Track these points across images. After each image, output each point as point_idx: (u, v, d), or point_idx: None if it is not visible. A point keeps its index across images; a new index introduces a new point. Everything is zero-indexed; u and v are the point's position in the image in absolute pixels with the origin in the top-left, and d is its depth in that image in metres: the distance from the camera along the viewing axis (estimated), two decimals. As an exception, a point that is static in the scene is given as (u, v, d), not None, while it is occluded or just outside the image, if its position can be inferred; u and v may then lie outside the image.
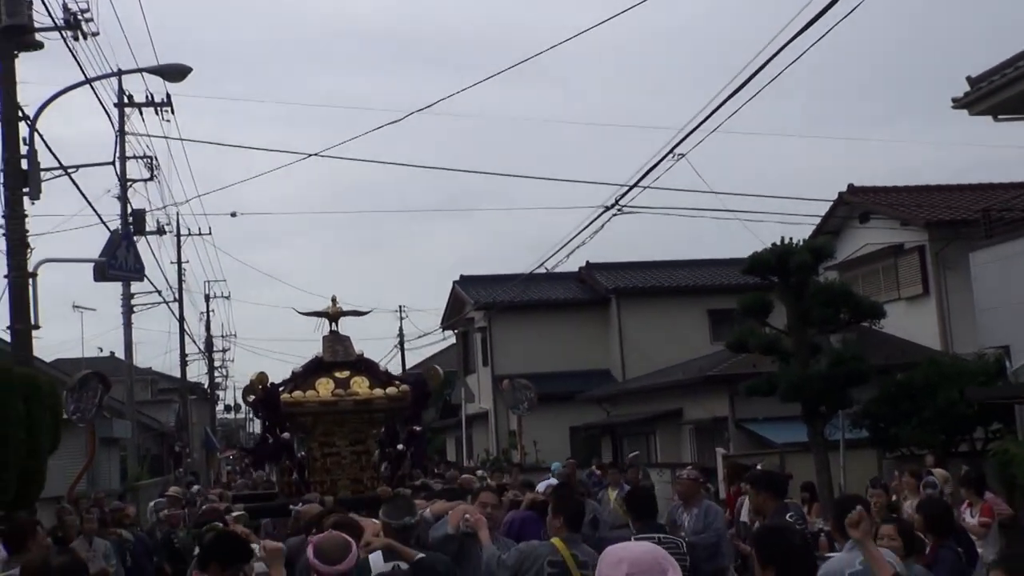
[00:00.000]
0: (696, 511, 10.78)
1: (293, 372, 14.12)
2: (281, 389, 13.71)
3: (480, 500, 8.25)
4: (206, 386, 61.32)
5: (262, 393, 13.49)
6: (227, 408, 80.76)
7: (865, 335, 22.08)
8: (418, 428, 14.49)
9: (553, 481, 13.94)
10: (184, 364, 47.98)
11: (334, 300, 14.65)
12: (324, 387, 13.58)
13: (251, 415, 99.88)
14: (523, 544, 7.34)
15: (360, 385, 13.70)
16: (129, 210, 31.41)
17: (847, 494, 10.42)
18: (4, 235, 17.49)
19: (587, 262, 39.38)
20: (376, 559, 6.73)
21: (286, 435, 13.68)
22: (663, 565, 3.52)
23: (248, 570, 7.73)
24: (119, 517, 16.00)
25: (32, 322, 17.39)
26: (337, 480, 13.56)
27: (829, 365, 18.68)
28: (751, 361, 22.81)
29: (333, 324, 14.51)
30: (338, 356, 14.08)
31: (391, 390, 13.78)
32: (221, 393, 72.03)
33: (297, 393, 13.55)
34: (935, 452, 17.57)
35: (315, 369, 13.98)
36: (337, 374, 13.81)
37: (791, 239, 19.77)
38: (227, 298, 64.36)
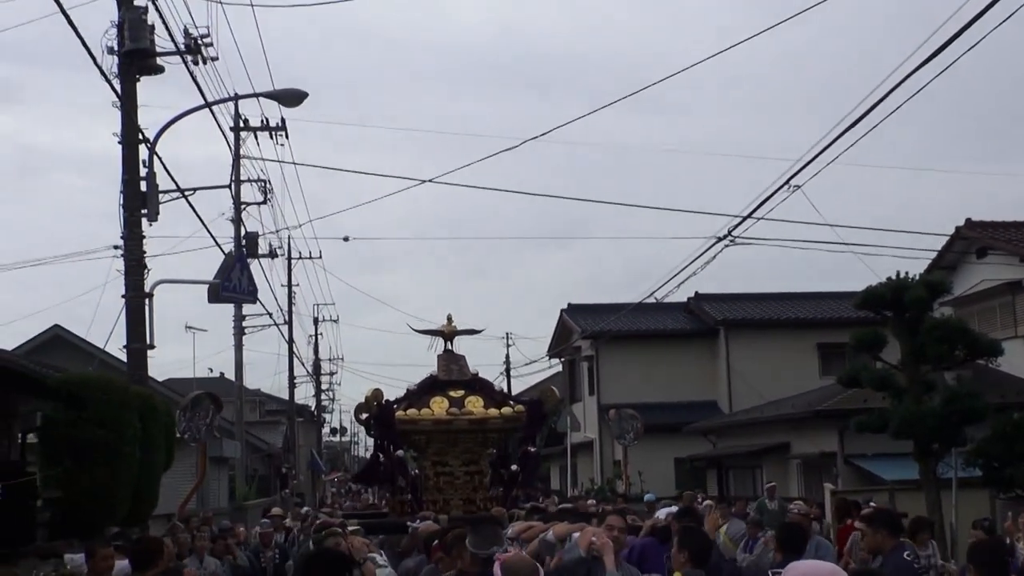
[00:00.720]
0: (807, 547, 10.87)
1: (408, 390, 14.10)
2: (395, 407, 13.72)
3: (607, 523, 8.01)
4: (313, 408, 62.14)
5: (376, 410, 13.54)
6: (333, 431, 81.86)
7: (981, 373, 21.80)
8: (532, 449, 14.27)
9: (673, 509, 13.63)
10: (292, 386, 48.79)
11: (449, 319, 14.62)
12: (439, 405, 13.59)
13: (357, 437, 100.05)
14: None
15: (475, 404, 13.68)
16: (243, 233, 32.20)
17: (987, 539, 9.89)
18: (123, 256, 17.87)
19: (696, 293, 39.36)
20: None
21: (400, 453, 13.68)
22: None
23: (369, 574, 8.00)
24: (228, 537, 16.37)
25: (147, 342, 17.84)
26: (449, 500, 13.56)
27: (943, 402, 18.47)
28: (862, 396, 22.59)
29: (448, 343, 14.47)
30: (453, 375, 14.05)
31: (506, 410, 13.76)
32: (328, 416, 72.94)
33: (412, 411, 13.60)
34: None
35: (430, 387, 13.97)
36: (452, 393, 13.79)
37: (906, 273, 19.68)
38: (335, 322, 65.21)
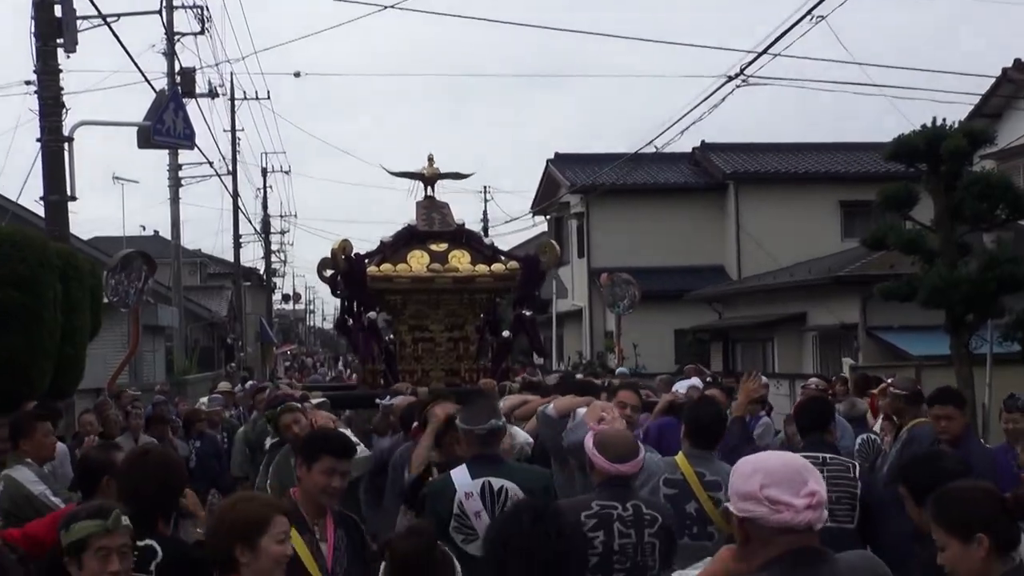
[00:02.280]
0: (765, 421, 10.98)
1: (382, 242, 13.59)
2: (367, 261, 13.21)
3: (619, 398, 7.83)
4: (262, 272, 62.14)
5: (345, 264, 12.93)
6: (285, 298, 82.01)
7: (1022, 236, 21.91)
8: (528, 314, 13.71)
9: (697, 381, 13.28)
10: (238, 246, 48.64)
11: (431, 160, 14.14)
12: (418, 261, 13.18)
13: (313, 305, 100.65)
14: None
15: (460, 260, 13.26)
16: (177, 68, 31.82)
17: None
18: (36, 93, 17.62)
19: (702, 142, 39.33)
20: (460, 475, 6.39)
21: (372, 315, 13.21)
22: (803, 476, 3.51)
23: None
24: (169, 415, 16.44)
25: (68, 193, 17.74)
26: (429, 370, 13.27)
27: (980, 268, 18.54)
28: (888, 261, 22.72)
29: (429, 188, 14.01)
30: (434, 225, 13.60)
31: (497, 267, 13.33)
32: (278, 280, 73.06)
33: (386, 266, 13.14)
34: None
35: (407, 240, 13.50)
36: (433, 246, 13.36)
37: (944, 120, 19.61)
38: (287, 173, 64.97)
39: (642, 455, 5.87)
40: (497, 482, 6.29)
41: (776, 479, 3.48)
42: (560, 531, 3.50)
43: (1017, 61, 27.94)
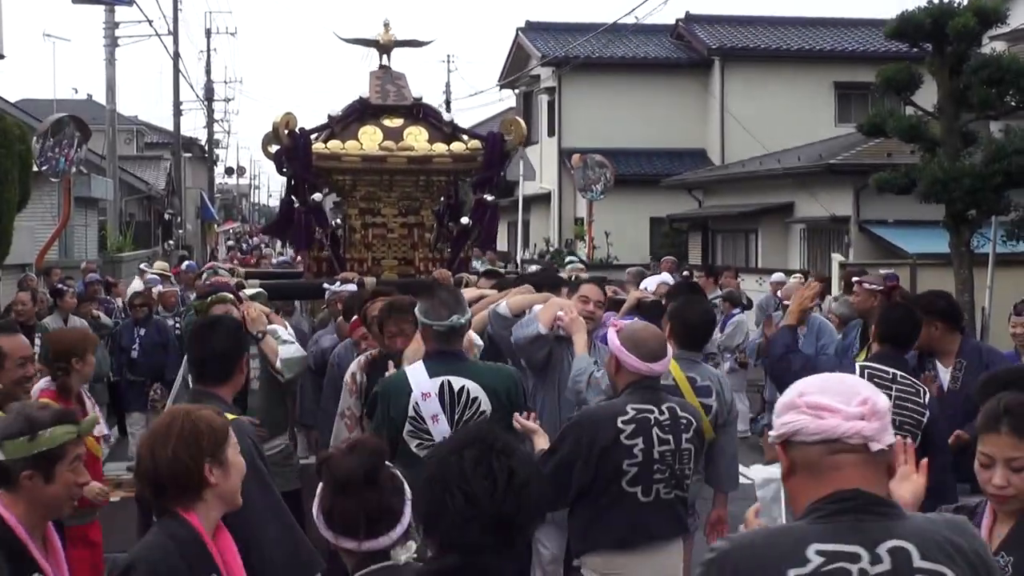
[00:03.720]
0: (803, 330, 10.89)
1: (330, 116, 13.08)
2: (314, 137, 12.86)
3: (581, 294, 7.67)
4: (204, 142, 61.89)
5: (288, 140, 12.54)
6: (228, 171, 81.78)
7: (1033, 125, 21.90)
8: (490, 198, 13.44)
9: (667, 277, 13.22)
10: (178, 114, 48.39)
11: (387, 26, 13.74)
12: (369, 138, 12.74)
13: (258, 179, 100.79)
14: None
15: (416, 138, 12.81)
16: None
17: None
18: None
19: (687, 13, 39.30)
20: (417, 373, 6.17)
21: (317, 196, 12.92)
22: (857, 387, 3.08)
23: (269, 351, 7.89)
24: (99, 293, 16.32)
25: (-7, 50, 17.54)
26: (381, 259, 13.02)
27: (986, 159, 18.56)
28: (886, 149, 22.71)
29: (384, 57, 13.53)
30: (389, 98, 13.15)
31: (457, 146, 12.92)
32: (221, 152, 72.83)
33: (334, 143, 12.71)
34: None
35: (359, 114, 13.02)
36: (387, 122, 12.94)
37: (951, -3, 19.53)
38: (233, 35, 64.72)
39: (670, 353, 5.82)
40: (458, 382, 6.08)
41: (821, 387, 3.09)
42: (512, 477, 3.02)
43: (1034, -68, 27.69)
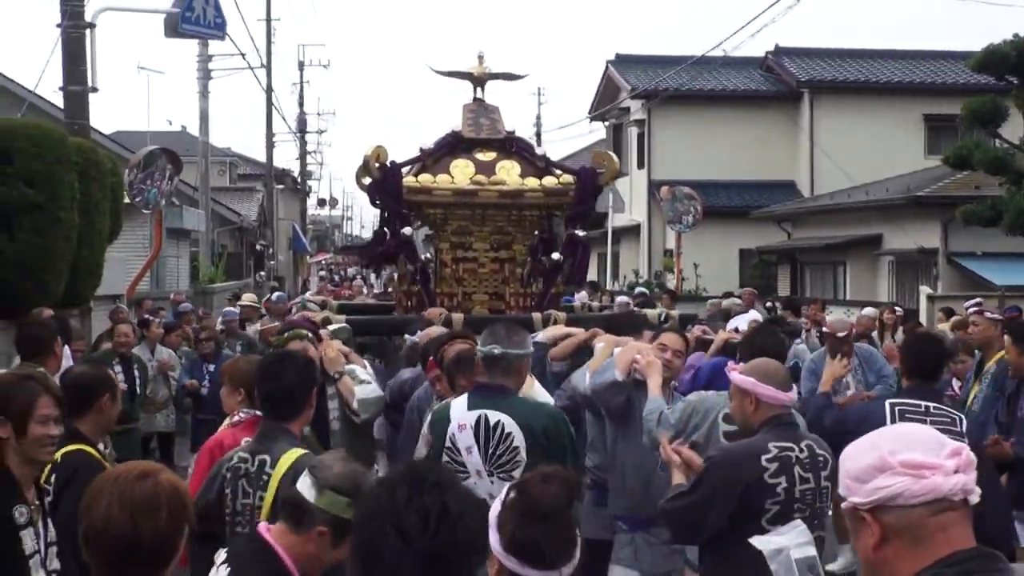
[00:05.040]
0: (856, 362, 10.91)
1: (422, 149, 13.03)
2: (406, 170, 12.76)
3: (661, 341, 7.32)
4: (296, 174, 62.28)
5: (379, 174, 12.48)
6: (321, 203, 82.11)
7: (1122, 156, 21.84)
8: (582, 233, 13.28)
9: (756, 316, 12.79)
10: (271, 146, 48.80)
11: (481, 59, 13.59)
12: (461, 171, 12.65)
13: (351, 211, 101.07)
14: (694, 395, 6.90)
15: (509, 172, 12.68)
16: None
17: None
18: (55, -24, 17.76)
19: (776, 46, 39.27)
20: (458, 405, 6.27)
21: (407, 231, 12.77)
22: (935, 436, 2.88)
23: (346, 392, 7.79)
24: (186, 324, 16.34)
25: (89, 83, 17.89)
26: (471, 294, 12.87)
27: (1072, 191, 18.59)
28: (974, 182, 22.69)
29: (478, 90, 13.40)
30: (482, 132, 13.04)
31: (550, 181, 12.77)
32: (314, 184, 73.21)
33: (425, 177, 12.64)
34: None
35: (451, 147, 12.93)
36: (479, 156, 12.84)
37: (1038, 30, 19.56)
38: (326, 67, 64.98)
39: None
40: (494, 416, 6.10)
41: (908, 442, 2.83)
42: (445, 513, 2.93)
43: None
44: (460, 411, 6.15)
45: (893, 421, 6.14)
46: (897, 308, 16.97)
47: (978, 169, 20.40)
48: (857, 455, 2.85)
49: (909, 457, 2.75)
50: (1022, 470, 7.44)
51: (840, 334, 11.12)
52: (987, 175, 20.66)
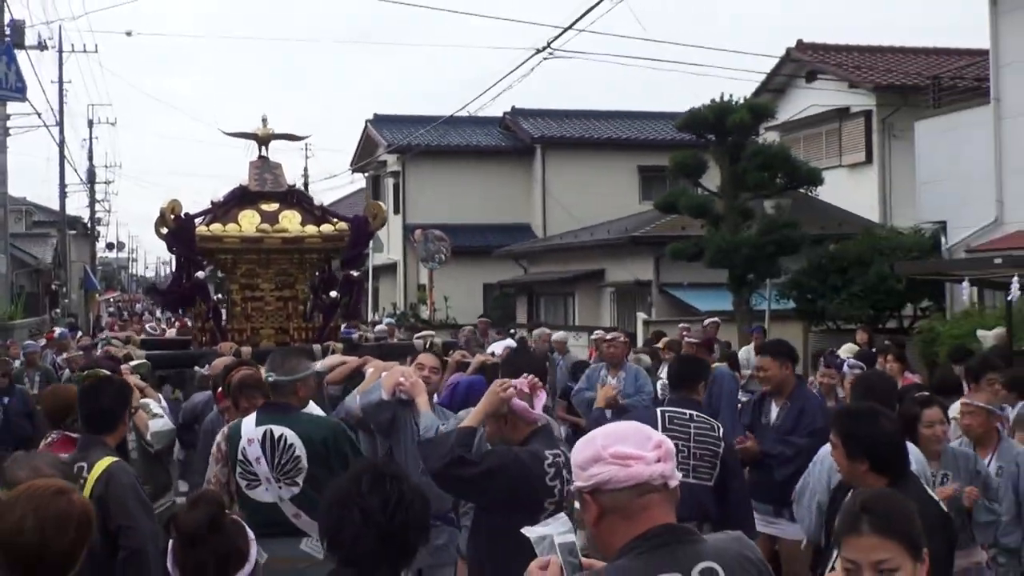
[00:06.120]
0: (623, 375, 11.44)
1: (212, 202, 13.10)
2: (198, 220, 12.82)
3: (419, 361, 7.52)
4: (87, 220, 60.76)
5: (175, 224, 12.52)
6: (109, 246, 79.92)
7: (801, 202, 22.76)
8: (356, 274, 13.62)
9: (511, 342, 13.14)
10: (64, 195, 47.88)
11: (264, 121, 13.72)
12: (248, 221, 12.77)
13: (135, 253, 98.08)
14: (465, 412, 6.73)
15: (290, 220, 12.90)
16: (7, 19, 30.95)
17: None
18: None
19: (512, 107, 39.62)
20: (248, 422, 6.32)
21: (200, 275, 12.85)
22: (645, 431, 3.09)
23: (140, 424, 7.52)
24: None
25: None
26: (259, 329, 12.94)
27: (760, 231, 19.37)
28: (680, 224, 23.41)
29: (263, 148, 13.51)
30: (266, 185, 13.16)
31: (326, 228, 13.04)
32: (103, 229, 71.43)
33: (216, 226, 12.73)
34: (866, 328, 17.69)
35: (238, 200, 13.04)
36: (264, 206, 12.96)
37: (731, 96, 20.36)
38: (113, 124, 63.83)
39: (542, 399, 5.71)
40: (278, 429, 6.16)
41: (618, 437, 3.03)
42: (401, 498, 3.12)
43: (799, 41, 28.91)
44: (249, 427, 6.21)
45: (664, 425, 6.35)
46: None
47: (683, 213, 21.03)
48: (581, 448, 3.06)
49: (618, 449, 2.96)
50: (761, 467, 7.79)
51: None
52: (691, 218, 21.30)
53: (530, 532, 3.16)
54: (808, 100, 28.23)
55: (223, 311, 13.35)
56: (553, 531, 3.07)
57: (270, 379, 6.32)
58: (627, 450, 2.96)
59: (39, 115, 36.97)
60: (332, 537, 3.20)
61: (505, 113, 39.82)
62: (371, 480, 3.19)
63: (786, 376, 7.87)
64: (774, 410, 7.93)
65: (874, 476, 4.54)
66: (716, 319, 17.84)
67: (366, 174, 44.81)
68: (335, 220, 13.36)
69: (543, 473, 5.25)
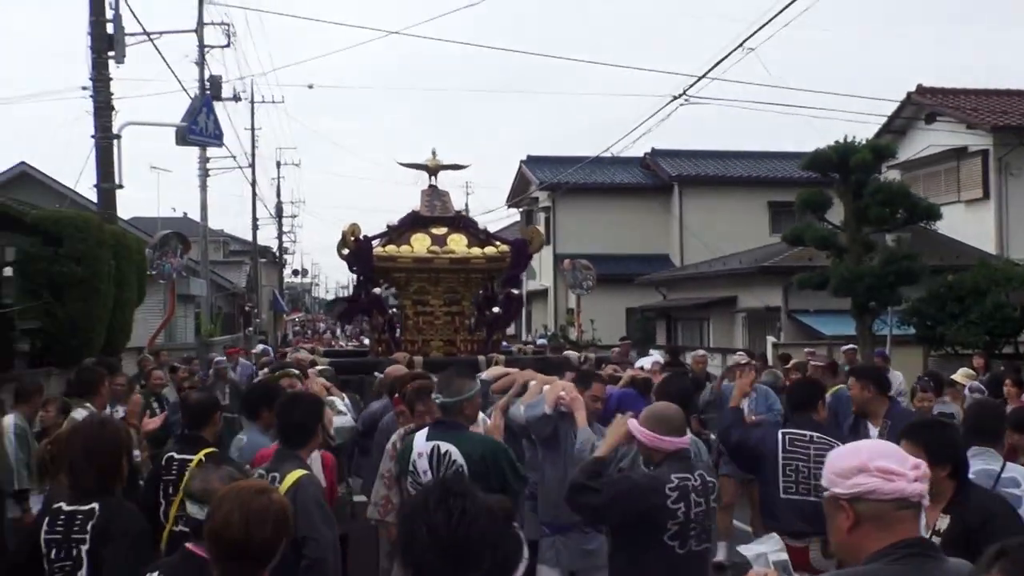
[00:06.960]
0: (754, 395, 11.39)
1: (388, 226, 13.36)
2: (375, 242, 13.10)
3: (592, 392, 7.26)
4: (275, 250, 62.42)
5: (355, 245, 12.80)
6: (294, 272, 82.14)
7: (921, 236, 22.37)
8: (516, 292, 13.65)
9: (658, 357, 12.84)
10: (255, 227, 49.45)
11: (434, 152, 13.94)
12: (420, 243, 12.99)
13: (318, 279, 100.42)
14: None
15: (457, 243, 13.08)
16: (207, 75, 32.06)
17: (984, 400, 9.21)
18: (91, 97, 17.98)
19: (652, 148, 39.59)
20: (419, 437, 6.27)
21: (377, 290, 13.14)
22: (901, 452, 3.10)
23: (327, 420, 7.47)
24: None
25: (116, 182, 18.04)
26: (429, 340, 13.08)
27: (881, 263, 19.08)
28: (807, 255, 23.18)
29: (432, 178, 13.76)
30: (436, 211, 13.40)
31: (490, 250, 13.17)
32: (289, 257, 73.32)
33: (391, 248, 12.99)
34: (983, 353, 17.18)
35: (411, 224, 13.31)
36: (434, 230, 13.20)
37: (854, 138, 20.14)
38: (297, 165, 65.49)
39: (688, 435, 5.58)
40: (444, 445, 6.12)
41: (882, 453, 3.03)
42: (464, 513, 3.03)
43: (919, 86, 28.44)
44: (420, 442, 6.20)
45: (784, 447, 6.26)
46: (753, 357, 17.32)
47: (810, 245, 20.82)
48: (845, 458, 3.04)
49: (884, 464, 2.95)
50: None
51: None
52: (817, 249, 21.10)
53: (747, 550, 3.26)
54: (927, 140, 27.74)
55: (397, 324, 13.54)
56: (767, 549, 3.18)
57: (438, 400, 6.27)
58: (891, 466, 2.96)
59: (234, 158, 38.12)
60: (403, 551, 3.13)
61: (645, 154, 39.82)
62: (437, 497, 3.11)
63: (867, 398, 7.52)
64: (873, 431, 7.51)
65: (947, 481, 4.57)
66: (853, 345, 17.58)
67: (520, 209, 45.15)
68: (497, 243, 13.53)
69: (665, 497, 5.14)
